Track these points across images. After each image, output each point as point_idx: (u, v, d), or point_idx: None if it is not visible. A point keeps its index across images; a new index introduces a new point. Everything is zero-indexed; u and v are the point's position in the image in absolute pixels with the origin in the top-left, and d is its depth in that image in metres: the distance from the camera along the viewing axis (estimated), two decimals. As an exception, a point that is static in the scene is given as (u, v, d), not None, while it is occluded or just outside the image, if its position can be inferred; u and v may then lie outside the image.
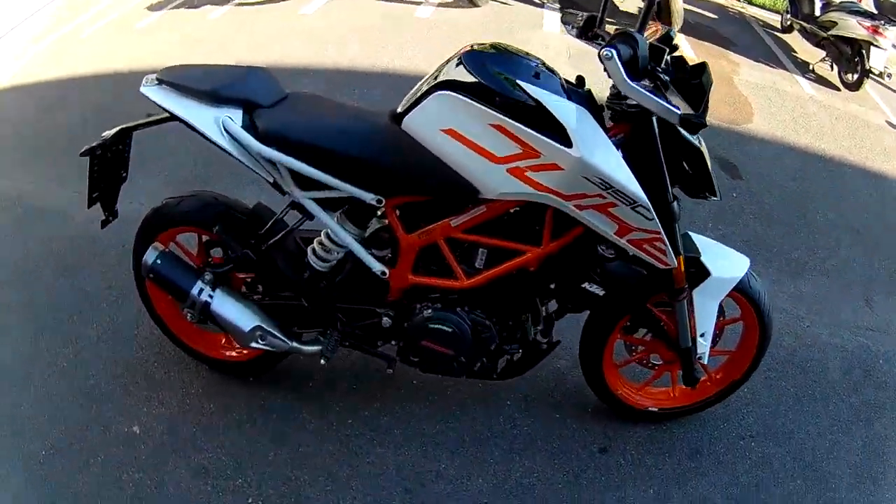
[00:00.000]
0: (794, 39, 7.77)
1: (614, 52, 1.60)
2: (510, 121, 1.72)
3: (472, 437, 2.38)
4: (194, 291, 2.13)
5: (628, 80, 1.62)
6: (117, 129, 2.05)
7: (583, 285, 2.01)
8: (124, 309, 2.74)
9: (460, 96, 1.75)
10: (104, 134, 2.03)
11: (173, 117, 1.94)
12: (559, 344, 2.20)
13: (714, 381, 2.41)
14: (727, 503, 2.28)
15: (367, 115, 1.98)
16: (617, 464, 2.33)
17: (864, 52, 6.29)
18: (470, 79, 1.75)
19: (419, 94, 1.84)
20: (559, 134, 1.70)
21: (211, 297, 2.14)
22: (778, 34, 8.09)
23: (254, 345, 2.18)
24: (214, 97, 1.90)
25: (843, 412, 2.68)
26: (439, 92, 1.78)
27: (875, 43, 6.22)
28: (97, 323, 2.70)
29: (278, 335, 2.20)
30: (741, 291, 2.13)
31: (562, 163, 1.72)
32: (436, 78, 1.83)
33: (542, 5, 7.33)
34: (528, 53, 1.85)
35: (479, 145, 1.76)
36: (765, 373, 2.40)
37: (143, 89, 1.94)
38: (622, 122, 1.82)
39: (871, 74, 6.36)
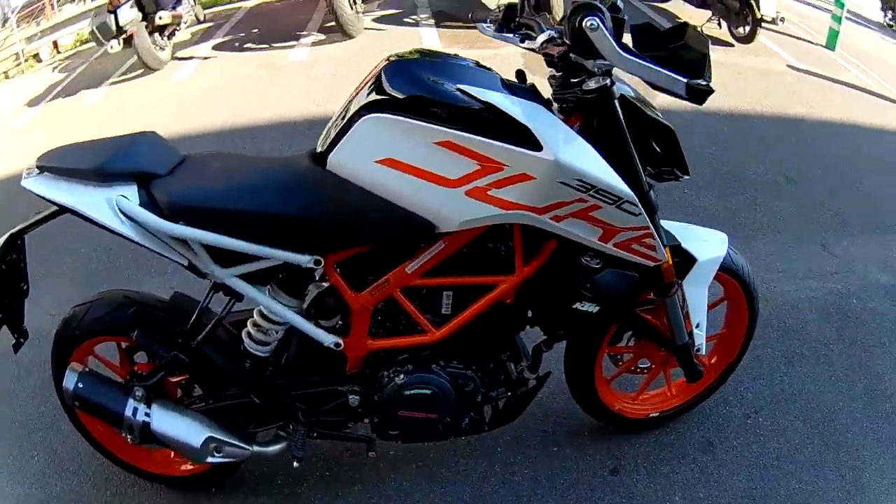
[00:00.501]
0: (676, 7, 7.73)
1: (598, 20, 1.38)
2: (461, 133, 1.47)
3: (472, 496, 2.15)
4: (128, 413, 1.81)
5: (620, 51, 1.39)
6: (5, 236, 1.77)
7: (574, 306, 1.77)
8: (61, 435, 2.42)
9: (394, 116, 1.49)
10: None
11: (61, 209, 1.66)
12: (549, 376, 1.99)
13: (710, 368, 2.28)
14: (755, 484, 2.16)
15: (282, 164, 1.73)
16: (633, 482, 2.17)
17: (751, 1, 6.25)
18: (400, 94, 1.50)
19: (341, 124, 1.57)
20: (522, 138, 1.47)
21: (148, 415, 1.83)
22: (657, 4, 7.98)
23: (210, 460, 1.89)
24: (101, 175, 1.60)
25: (836, 360, 2.66)
26: (367, 116, 1.51)
27: None
28: (38, 456, 2.40)
29: (235, 442, 1.90)
30: (725, 269, 1.98)
31: (533, 170, 1.48)
32: (357, 102, 1.57)
33: (416, 24, 7.26)
34: (455, 55, 1.63)
35: (427, 171, 1.50)
36: (752, 343, 2.33)
37: (23, 182, 1.67)
38: (575, 113, 1.60)
39: (763, 23, 6.33)
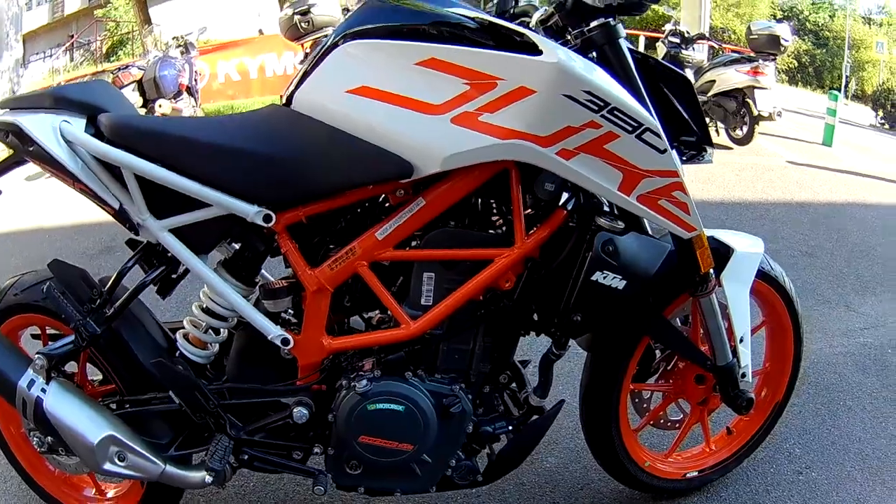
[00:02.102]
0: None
1: None
2: (446, 46, 1.25)
3: None
4: (22, 383, 1.49)
5: None
6: None
7: (593, 277, 1.37)
8: None
9: (371, 39, 1.30)
10: None
11: (6, 139, 1.49)
12: (563, 404, 1.59)
13: (757, 409, 1.91)
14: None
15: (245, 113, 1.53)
16: None
17: (748, 100, 6.41)
18: (377, 22, 1.31)
19: (311, 65, 1.37)
20: (518, 46, 1.24)
21: (44, 391, 1.49)
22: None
23: (108, 466, 1.49)
24: (52, 101, 1.45)
25: (883, 406, 2.49)
26: (342, 45, 1.31)
27: (758, 85, 6.35)
28: None
29: (144, 453, 1.50)
30: (763, 276, 1.71)
31: (532, 82, 1.22)
32: (326, 43, 1.36)
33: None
34: None
35: (406, 96, 1.26)
36: (790, 401, 2.14)
37: None
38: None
39: (760, 120, 6.45)
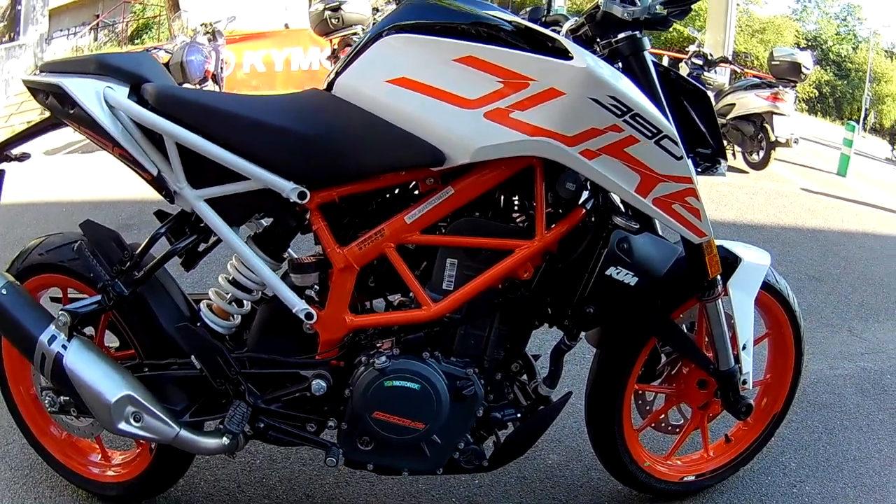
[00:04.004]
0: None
1: None
2: (484, 46, 1.32)
3: None
4: (43, 338, 1.52)
5: None
6: None
7: (608, 272, 1.44)
8: None
9: (413, 34, 1.37)
10: None
11: (47, 100, 1.53)
12: (570, 396, 1.66)
13: (755, 419, 1.99)
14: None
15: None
16: None
17: (766, 125, 6.45)
18: (419, 18, 1.39)
19: (353, 53, 1.44)
20: (551, 51, 1.32)
21: (65, 347, 1.52)
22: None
23: (123, 426, 1.52)
24: (96, 66, 1.49)
25: (879, 429, 2.52)
26: (385, 37, 1.39)
27: (777, 111, 6.39)
28: None
29: (160, 415, 1.53)
30: (768, 289, 1.76)
31: (562, 84, 1.29)
32: (370, 34, 1.44)
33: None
34: None
35: (443, 90, 1.34)
36: (787, 418, 2.18)
37: (22, 78, 1.59)
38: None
39: (777, 145, 6.49)
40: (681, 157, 1.37)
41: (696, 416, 1.90)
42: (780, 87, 6.45)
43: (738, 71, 8.19)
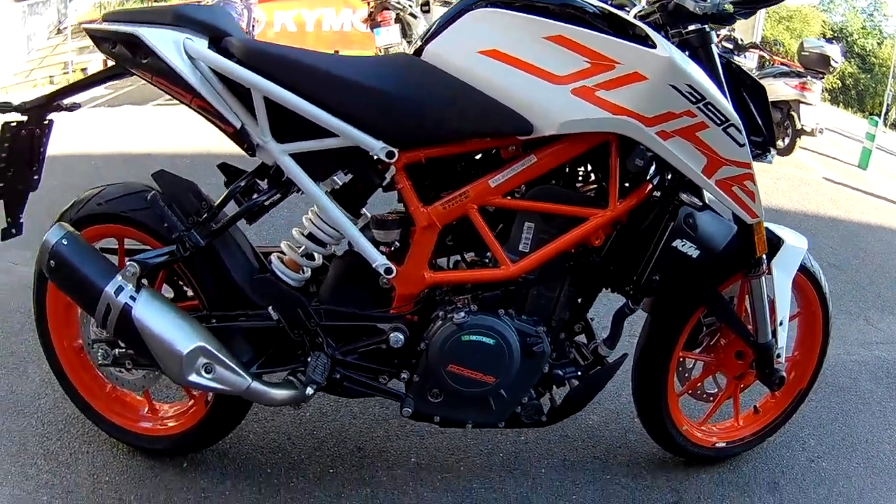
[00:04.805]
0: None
1: None
2: (574, 27, 1.39)
3: None
4: (110, 289, 1.48)
5: None
6: (39, 97, 1.58)
7: (674, 243, 1.55)
8: (27, 378, 2.25)
9: (505, 9, 1.42)
10: (23, 101, 1.56)
11: (115, 51, 1.48)
12: (626, 358, 1.78)
13: (782, 393, 2.12)
14: (824, 525, 2.00)
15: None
16: None
17: (793, 113, 6.54)
18: None
19: (443, 21, 1.49)
20: (636, 37, 1.40)
21: (134, 298, 1.48)
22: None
23: (194, 378, 1.51)
24: (173, 17, 1.45)
25: (889, 415, 2.64)
26: (476, 10, 1.44)
27: (804, 100, 6.47)
28: None
29: (233, 366, 1.53)
30: (803, 271, 1.88)
31: (645, 69, 1.38)
32: (461, 6, 1.48)
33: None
34: None
35: (533, 64, 1.41)
36: (807, 397, 2.31)
37: (84, 26, 1.56)
38: None
39: (802, 134, 6.58)
40: (743, 145, 1.48)
41: (731, 385, 2.03)
42: (809, 78, 6.49)
43: (766, 57, 8.16)
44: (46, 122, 1.65)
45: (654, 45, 1.39)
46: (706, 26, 1.52)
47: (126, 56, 1.48)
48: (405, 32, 6.72)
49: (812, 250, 1.94)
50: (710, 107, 1.43)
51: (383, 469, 1.95)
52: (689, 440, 2.03)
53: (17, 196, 1.68)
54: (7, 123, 1.57)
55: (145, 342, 1.50)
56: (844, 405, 2.65)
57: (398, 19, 6.65)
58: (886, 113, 9.29)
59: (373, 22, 6.51)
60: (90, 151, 4.97)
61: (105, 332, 1.58)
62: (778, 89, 6.61)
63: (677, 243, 1.55)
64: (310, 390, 1.57)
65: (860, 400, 2.70)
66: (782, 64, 7.35)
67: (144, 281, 1.56)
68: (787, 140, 6.71)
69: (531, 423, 1.71)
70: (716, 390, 2.07)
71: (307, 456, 1.98)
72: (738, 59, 7.32)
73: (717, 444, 2.09)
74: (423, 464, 1.99)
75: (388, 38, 6.40)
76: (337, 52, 10.18)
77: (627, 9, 1.68)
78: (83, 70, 8.57)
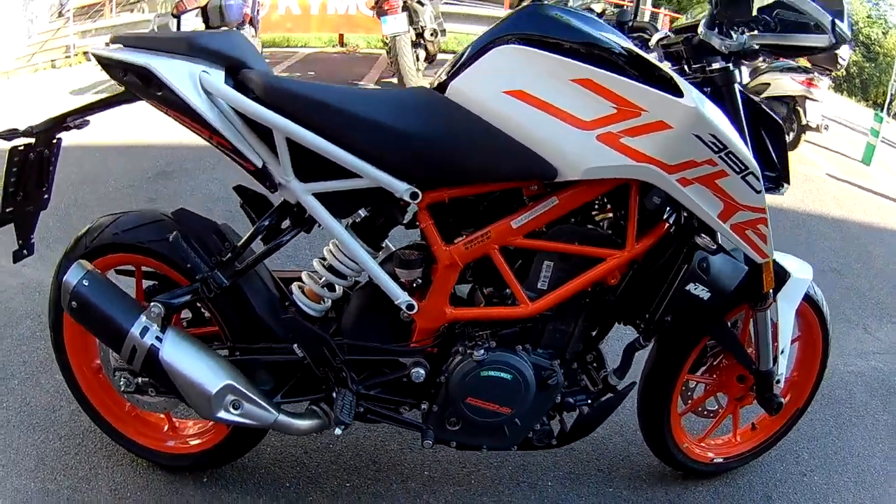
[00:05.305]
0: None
1: None
2: (603, 72, 1.38)
3: None
4: (135, 330, 1.49)
5: None
6: (47, 119, 1.54)
7: (687, 287, 1.59)
8: (40, 389, 2.25)
9: (531, 48, 1.40)
10: (30, 125, 1.54)
11: (126, 80, 1.44)
12: (634, 386, 1.84)
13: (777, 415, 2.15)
14: (812, 541, 2.08)
15: (393, 89, 1.68)
16: None
17: (799, 108, 6.53)
18: (538, 31, 1.42)
19: (467, 55, 1.47)
20: (663, 85, 1.39)
21: (160, 339, 1.49)
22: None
23: (222, 415, 1.54)
24: (187, 46, 1.41)
25: (882, 430, 2.68)
26: (504, 46, 1.42)
27: (810, 96, 6.46)
28: (7, 404, 2.19)
29: (260, 401, 1.56)
30: (807, 299, 1.93)
31: (671, 118, 1.38)
32: (486, 37, 1.47)
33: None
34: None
35: (560, 108, 1.39)
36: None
37: (92, 51, 1.50)
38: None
39: (807, 129, 6.58)
40: (760, 191, 1.51)
41: (731, 404, 2.11)
42: (816, 74, 6.47)
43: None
44: (55, 140, 1.63)
45: (680, 93, 1.39)
46: (730, 65, 1.55)
47: (138, 86, 1.44)
48: (412, 20, 6.66)
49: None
50: (731, 156, 1.44)
51: (398, 482, 2.01)
52: (688, 457, 2.11)
53: (27, 218, 1.67)
54: (14, 148, 1.55)
55: (173, 381, 1.53)
56: (839, 418, 2.70)
57: (405, 7, 6.60)
58: (890, 103, 9.27)
59: (379, 9, 6.47)
60: (94, 142, 4.76)
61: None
62: (784, 84, 6.60)
63: (690, 287, 1.59)
64: (338, 430, 1.60)
65: (854, 413, 2.75)
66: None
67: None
68: (791, 135, 6.71)
69: (542, 446, 1.77)
70: (716, 407, 2.15)
71: (324, 469, 2.03)
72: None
73: (714, 460, 2.18)
74: (436, 477, 2.06)
75: (396, 27, 6.35)
76: (342, 36, 10.19)
77: (649, 33, 1.72)
78: (85, 54, 8.45)
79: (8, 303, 2.73)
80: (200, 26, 6.31)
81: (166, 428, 1.92)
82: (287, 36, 9.90)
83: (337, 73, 8.00)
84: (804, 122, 6.51)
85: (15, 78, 7.43)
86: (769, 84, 6.73)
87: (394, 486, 2.00)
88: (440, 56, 7.59)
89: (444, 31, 7.74)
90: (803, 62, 6.62)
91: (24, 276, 2.92)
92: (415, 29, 6.80)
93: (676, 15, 8.58)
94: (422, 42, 7.08)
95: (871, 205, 5.87)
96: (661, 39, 1.67)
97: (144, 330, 1.50)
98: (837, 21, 1.44)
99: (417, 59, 7.01)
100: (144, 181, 4.08)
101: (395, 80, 6.91)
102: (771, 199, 1.58)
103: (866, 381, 3.02)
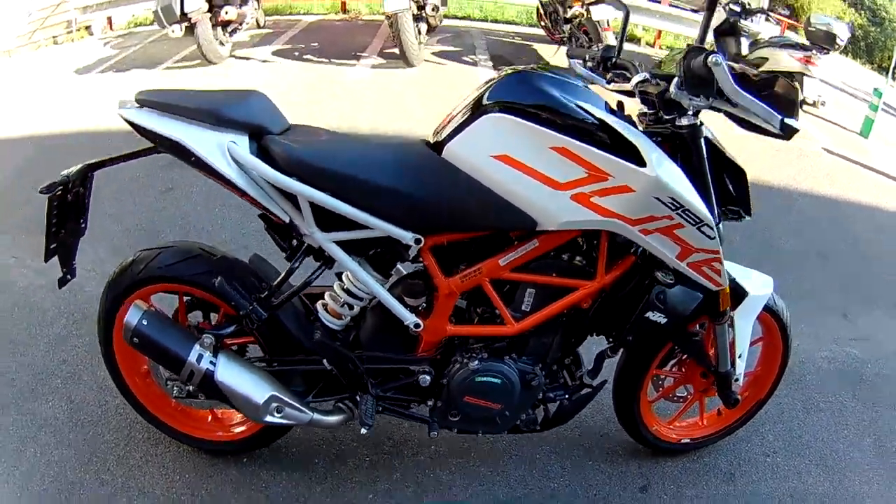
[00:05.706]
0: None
1: (721, 57, 1.56)
2: (576, 142, 1.61)
3: (508, 496, 2.26)
4: (192, 358, 1.81)
5: (738, 87, 1.58)
6: (80, 165, 1.75)
7: (646, 315, 1.88)
8: (83, 385, 2.46)
9: (516, 118, 1.63)
10: (65, 171, 1.73)
11: (158, 143, 1.65)
12: (605, 384, 2.13)
13: (742, 403, 2.39)
14: (770, 518, 2.31)
15: (396, 146, 1.86)
16: (660, 499, 2.31)
17: (796, 83, 6.51)
18: (523, 101, 1.64)
19: (461, 119, 1.70)
20: (628, 154, 1.62)
21: (213, 363, 1.82)
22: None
23: (269, 419, 1.89)
24: (214, 118, 1.62)
25: (849, 416, 2.84)
26: (491, 114, 1.65)
27: (808, 73, 6.51)
28: (53, 402, 2.38)
29: (297, 405, 1.92)
30: (767, 309, 2.15)
31: (634, 184, 1.63)
32: (476, 102, 1.70)
33: (475, 64, 7.56)
34: (567, 71, 1.79)
35: (539, 171, 1.63)
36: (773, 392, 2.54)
37: (120, 112, 1.67)
38: (662, 146, 1.73)
39: (804, 105, 6.66)
40: (713, 238, 1.75)
41: (697, 394, 2.36)
42: (815, 52, 6.49)
43: (774, 24, 8.09)
44: (88, 176, 1.80)
45: (643, 163, 1.61)
46: (698, 121, 1.75)
47: (171, 151, 1.67)
48: (413, -4, 6.71)
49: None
50: (687, 212, 1.68)
51: (409, 456, 2.35)
52: (658, 438, 2.38)
53: (69, 248, 1.86)
54: (52, 195, 1.71)
55: (226, 395, 1.87)
56: (807, 403, 2.87)
57: (407, -17, 6.62)
58: (895, 70, 9.20)
59: None
60: (103, 128, 4.65)
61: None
62: (782, 59, 6.58)
63: (649, 315, 1.89)
64: (364, 430, 1.93)
65: (822, 398, 2.91)
66: (790, 28, 7.30)
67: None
68: (788, 110, 6.72)
69: (528, 430, 2.11)
70: (685, 394, 2.40)
71: (346, 447, 2.36)
72: (746, 24, 7.28)
73: (682, 441, 2.44)
74: (441, 451, 2.39)
75: (397, 4, 6.41)
76: (344, 3, 10.04)
77: (630, 72, 1.89)
78: (87, 29, 8.46)
79: (40, 303, 2.86)
80: (203, 6, 6.34)
81: (210, 419, 2.22)
82: (290, 3, 9.88)
83: (340, 42, 8.03)
84: (801, 97, 6.51)
85: (17, 56, 7.42)
86: (767, 58, 6.70)
87: (406, 460, 2.33)
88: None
89: (444, 2, 7.78)
90: (802, 40, 6.65)
91: (51, 275, 2.97)
92: (416, 3, 6.83)
93: (791, 21, 8.40)
94: (423, 15, 7.14)
95: (865, 182, 5.84)
96: (640, 82, 1.81)
97: (199, 357, 1.83)
98: (787, 120, 1.61)
99: (419, 33, 7.08)
100: (158, 169, 4.16)
101: (396, 51, 7.02)
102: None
103: (839, 367, 3.15)
